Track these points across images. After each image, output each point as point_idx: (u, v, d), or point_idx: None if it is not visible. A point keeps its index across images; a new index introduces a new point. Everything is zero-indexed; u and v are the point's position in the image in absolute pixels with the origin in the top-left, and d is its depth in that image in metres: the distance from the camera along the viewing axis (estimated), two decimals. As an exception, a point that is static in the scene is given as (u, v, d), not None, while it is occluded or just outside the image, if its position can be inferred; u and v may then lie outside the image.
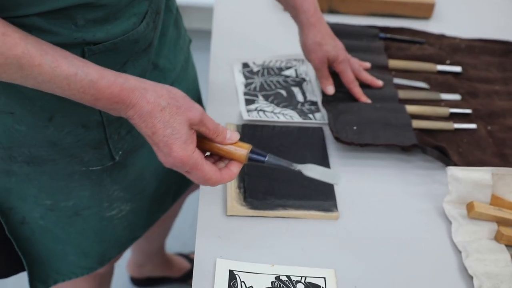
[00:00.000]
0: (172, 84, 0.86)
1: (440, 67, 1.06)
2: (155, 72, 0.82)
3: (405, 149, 0.89)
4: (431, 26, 1.19)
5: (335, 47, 0.93)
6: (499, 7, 1.30)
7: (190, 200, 1.46)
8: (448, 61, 1.09)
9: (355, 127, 0.89)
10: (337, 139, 0.87)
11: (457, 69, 1.06)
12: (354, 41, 1.07)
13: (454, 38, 1.15)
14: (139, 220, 0.97)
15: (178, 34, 0.90)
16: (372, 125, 0.90)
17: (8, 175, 0.79)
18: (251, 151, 0.71)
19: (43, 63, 0.60)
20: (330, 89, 0.95)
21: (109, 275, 1.16)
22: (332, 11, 1.20)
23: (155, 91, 0.65)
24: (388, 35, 1.12)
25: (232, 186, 0.82)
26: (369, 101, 0.95)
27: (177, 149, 0.65)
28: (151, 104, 0.64)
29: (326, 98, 0.95)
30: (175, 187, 1.04)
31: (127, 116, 0.66)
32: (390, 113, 0.93)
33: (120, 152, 0.82)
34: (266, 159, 0.71)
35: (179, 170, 0.68)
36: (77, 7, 0.65)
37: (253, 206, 0.79)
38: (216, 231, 0.77)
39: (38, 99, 0.71)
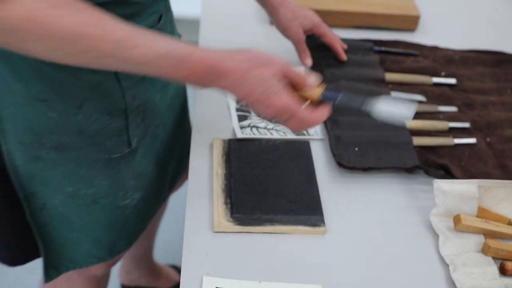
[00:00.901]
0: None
1: (436, 79, 1.07)
2: None
3: (408, 171, 0.89)
4: (416, 38, 1.20)
5: (306, 17, 0.99)
6: (482, 19, 1.31)
7: (181, 212, 1.46)
8: (443, 73, 1.09)
9: (356, 148, 0.89)
10: (340, 164, 0.87)
11: (452, 81, 1.07)
12: (350, 55, 1.08)
13: (447, 50, 1.16)
14: (146, 210, 1.00)
15: (172, 32, 0.95)
16: (374, 146, 0.90)
17: (36, 160, 0.82)
18: (325, 90, 0.75)
19: (141, 44, 0.64)
20: (309, 61, 1.01)
21: (105, 279, 1.16)
22: (318, 24, 1.21)
23: (239, 58, 0.69)
24: (383, 48, 1.13)
25: (219, 202, 0.82)
26: (345, 57, 1.02)
27: (275, 101, 0.70)
28: (239, 70, 0.69)
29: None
30: (171, 175, 1.07)
31: (218, 86, 0.70)
32: (391, 131, 0.93)
33: (135, 140, 0.87)
34: (339, 98, 0.74)
35: (280, 118, 0.72)
36: (113, 3, 0.71)
37: (240, 222, 0.79)
38: (203, 247, 0.77)
39: (70, 87, 0.76)
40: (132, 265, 1.50)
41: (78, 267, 0.96)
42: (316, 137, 0.94)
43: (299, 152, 0.90)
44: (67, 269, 0.96)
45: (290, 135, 0.93)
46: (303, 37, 1.00)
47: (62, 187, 0.86)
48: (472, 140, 0.95)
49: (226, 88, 0.70)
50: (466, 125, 0.98)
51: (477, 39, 1.23)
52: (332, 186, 0.87)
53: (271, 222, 0.80)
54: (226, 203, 0.81)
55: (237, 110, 0.96)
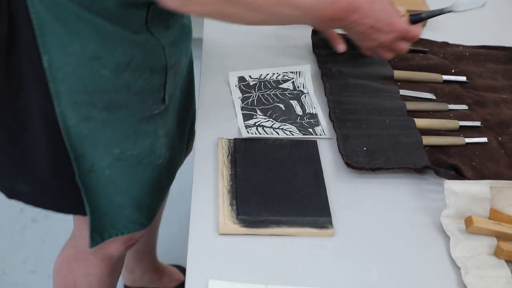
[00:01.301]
0: (189, 44, 1.00)
1: (446, 77, 1.05)
2: (181, 31, 0.94)
3: (418, 171, 0.87)
4: (426, 35, 1.18)
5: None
6: (493, 14, 1.29)
7: (185, 214, 1.45)
8: (453, 70, 1.07)
9: (364, 148, 0.87)
10: (348, 164, 0.85)
11: (462, 78, 1.05)
12: (357, 52, 1.06)
13: (457, 46, 1.14)
14: (172, 171, 1.06)
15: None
16: (382, 145, 0.88)
17: (87, 121, 0.86)
18: (409, 15, 0.97)
19: None
20: (341, 47, 1.02)
21: (119, 265, 1.18)
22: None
23: None
24: None
25: (224, 203, 0.80)
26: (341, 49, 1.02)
27: (397, 23, 0.91)
28: (366, 3, 0.87)
29: (333, 110, 0.93)
30: (187, 137, 1.13)
31: (350, 21, 0.87)
32: (400, 130, 0.91)
33: (167, 97, 0.92)
34: (422, 15, 0.98)
35: (396, 41, 0.92)
36: None
37: (246, 224, 0.77)
38: (208, 250, 0.75)
39: (121, 44, 0.81)
40: (135, 263, 1.49)
41: (120, 234, 0.99)
42: (323, 137, 0.92)
43: (306, 152, 0.88)
44: (109, 236, 0.99)
45: (297, 135, 0.91)
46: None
47: (109, 149, 0.90)
48: (483, 139, 0.93)
49: (355, 22, 0.88)
50: (477, 123, 0.96)
51: (487, 35, 1.21)
52: (340, 187, 0.85)
53: (278, 224, 0.78)
54: (231, 205, 0.80)
55: (243, 109, 0.95)
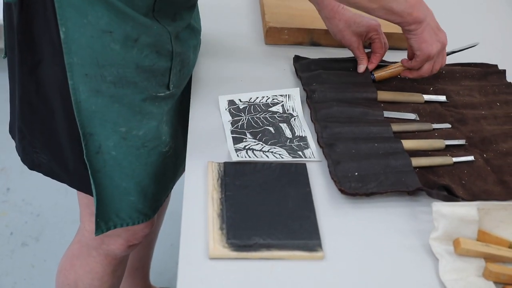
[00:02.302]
0: (198, 45, 1.05)
1: (427, 97, 1.07)
2: (187, 31, 0.99)
3: (410, 193, 0.88)
4: (401, 54, 1.19)
5: (360, 24, 1.07)
6: (473, 36, 1.31)
7: (176, 236, 1.45)
8: (431, 88, 1.09)
9: (356, 173, 0.88)
10: (342, 191, 0.86)
11: (442, 98, 1.07)
12: (341, 72, 1.09)
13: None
14: (177, 165, 1.09)
15: (197, 6, 1.07)
16: (373, 170, 0.89)
17: (97, 95, 0.90)
18: None
19: None
20: (362, 67, 1.08)
21: (122, 266, 1.20)
22: (314, 43, 1.20)
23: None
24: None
25: (214, 227, 0.80)
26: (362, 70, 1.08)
27: (442, 36, 1.02)
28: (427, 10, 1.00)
29: (321, 136, 0.94)
30: (182, 140, 1.13)
31: (415, 27, 0.99)
32: (389, 153, 0.92)
33: (172, 85, 0.97)
34: None
35: (439, 49, 1.02)
36: None
37: (236, 248, 0.78)
38: (199, 274, 0.75)
39: (131, 21, 0.87)
40: (128, 280, 1.48)
41: (125, 224, 1.02)
42: (313, 159, 0.92)
43: (295, 175, 0.89)
44: (114, 226, 1.02)
45: (286, 158, 0.92)
46: (357, 44, 1.09)
47: (116, 127, 0.94)
48: (470, 158, 0.95)
49: (428, 22, 0.99)
50: (462, 142, 0.98)
51: (472, 52, 1.23)
52: (330, 210, 0.86)
53: (268, 247, 0.78)
54: (221, 229, 0.80)
55: (232, 132, 0.95)
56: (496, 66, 1.19)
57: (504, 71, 1.17)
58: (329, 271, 0.78)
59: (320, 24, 1.15)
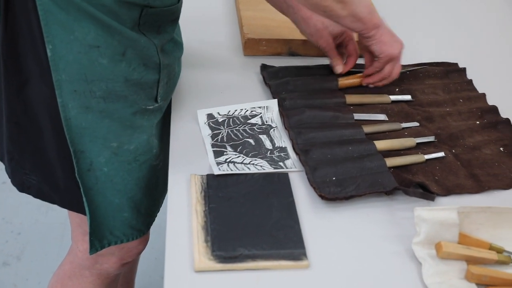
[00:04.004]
0: (180, 58, 1.05)
1: (393, 97, 1.10)
2: (171, 44, 0.99)
3: (387, 193, 0.89)
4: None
5: (336, 24, 1.07)
6: (444, 40, 1.34)
7: (161, 250, 1.44)
8: (397, 89, 1.12)
9: (334, 178, 0.90)
10: (322, 196, 0.87)
11: (408, 97, 1.10)
12: (309, 77, 1.11)
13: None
14: (166, 177, 1.07)
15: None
16: (350, 173, 0.91)
17: (86, 111, 0.90)
18: None
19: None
20: (339, 68, 1.10)
21: (115, 282, 1.19)
22: (292, 54, 1.21)
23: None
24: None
25: (199, 240, 0.80)
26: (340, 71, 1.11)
27: (399, 38, 1.06)
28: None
29: (297, 143, 0.95)
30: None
31: (374, 32, 1.02)
32: (363, 156, 0.94)
33: (160, 98, 0.97)
34: None
35: (400, 49, 1.06)
36: None
37: (221, 260, 0.78)
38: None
39: (117, 35, 0.87)
40: None
41: (119, 242, 1.01)
42: (294, 170, 0.93)
43: (278, 185, 0.90)
44: (109, 243, 1.01)
45: (268, 169, 0.92)
46: (333, 45, 1.10)
47: (107, 142, 0.93)
48: (440, 154, 0.97)
49: (385, 27, 1.03)
50: (431, 138, 1.01)
51: (425, 51, 1.27)
52: (314, 218, 0.87)
53: (253, 258, 0.79)
54: (206, 241, 0.80)
55: (213, 146, 0.96)
56: (456, 64, 1.23)
57: (464, 69, 1.21)
58: (314, 279, 0.78)
59: (298, 35, 1.16)
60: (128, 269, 1.46)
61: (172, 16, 0.97)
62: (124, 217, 1.00)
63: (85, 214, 0.97)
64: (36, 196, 1.03)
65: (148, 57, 0.92)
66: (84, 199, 0.95)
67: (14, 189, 1.04)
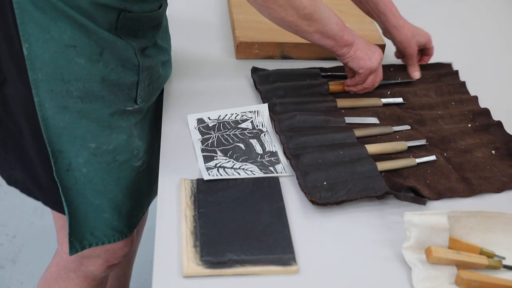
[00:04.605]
0: (168, 61, 1.07)
1: (385, 100, 1.09)
2: (154, 49, 0.99)
3: (379, 198, 0.89)
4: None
5: (421, 35, 1.15)
6: (441, 42, 1.34)
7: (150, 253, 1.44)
8: (388, 92, 1.11)
9: (325, 183, 0.89)
10: (313, 202, 0.87)
11: (399, 100, 1.10)
12: (299, 82, 1.10)
13: (389, 69, 1.18)
14: (151, 180, 1.09)
15: (167, 24, 1.09)
16: (341, 177, 0.90)
17: (63, 111, 0.90)
18: None
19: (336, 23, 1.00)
20: (417, 75, 1.17)
21: (103, 284, 1.19)
22: (284, 57, 1.21)
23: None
24: (328, 73, 1.15)
25: (188, 245, 0.80)
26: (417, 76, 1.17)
27: (376, 49, 1.06)
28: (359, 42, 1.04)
29: (288, 147, 0.95)
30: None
31: (346, 50, 1.02)
32: (354, 160, 0.93)
33: (140, 100, 0.97)
34: None
35: (379, 61, 1.06)
36: None
37: (209, 266, 0.77)
38: (173, 294, 0.75)
39: (94, 35, 0.87)
40: None
41: (100, 243, 1.01)
42: (284, 174, 0.93)
43: (268, 189, 0.89)
44: (89, 244, 1.01)
45: (258, 174, 0.92)
46: (416, 53, 1.16)
47: (86, 143, 0.93)
48: (432, 158, 0.97)
49: (350, 52, 1.03)
50: (423, 142, 1.01)
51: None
52: (304, 222, 0.86)
53: (242, 263, 0.78)
54: (195, 246, 0.80)
55: (203, 151, 0.95)
56: (450, 65, 1.23)
57: (457, 71, 1.21)
58: (304, 284, 0.78)
59: (290, 38, 1.16)
60: (122, 272, 1.46)
61: (152, 22, 0.97)
62: (105, 218, 1.00)
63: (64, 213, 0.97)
64: (22, 191, 1.04)
65: (127, 58, 0.92)
66: (63, 199, 0.96)
67: (10, 191, 1.06)
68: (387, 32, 1.18)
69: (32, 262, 1.80)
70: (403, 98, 1.10)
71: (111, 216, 1.00)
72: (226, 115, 1.02)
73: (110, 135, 0.95)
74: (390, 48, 1.26)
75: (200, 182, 0.89)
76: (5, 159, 1.01)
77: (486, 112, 1.10)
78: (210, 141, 0.97)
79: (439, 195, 0.91)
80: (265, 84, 1.09)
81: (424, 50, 1.19)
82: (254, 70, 1.12)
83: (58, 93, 0.89)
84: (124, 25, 0.90)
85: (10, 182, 1.04)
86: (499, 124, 1.07)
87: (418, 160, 0.96)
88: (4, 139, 0.99)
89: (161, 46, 1.02)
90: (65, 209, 0.96)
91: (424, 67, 1.21)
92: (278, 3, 0.92)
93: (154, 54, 0.99)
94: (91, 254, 1.06)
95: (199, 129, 0.99)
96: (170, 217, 0.85)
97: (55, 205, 1.01)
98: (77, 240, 0.99)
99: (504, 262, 0.83)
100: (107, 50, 0.89)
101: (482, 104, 1.13)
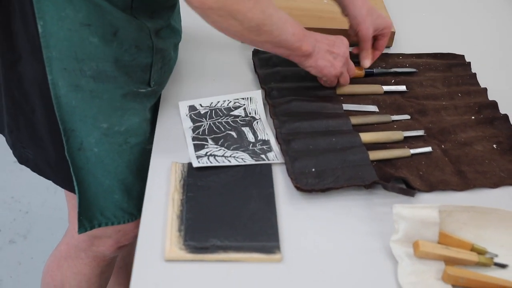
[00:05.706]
0: (177, 44, 1.05)
1: (386, 88, 1.06)
2: (168, 30, 0.98)
3: (366, 187, 0.87)
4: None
5: (380, 17, 1.06)
6: (456, 34, 1.30)
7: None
8: (393, 80, 1.08)
9: (313, 169, 0.88)
10: (298, 188, 0.85)
11: (402, 88, 1.07)
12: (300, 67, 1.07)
13: (398, 56, 1.15)
14: None
15: (179, 5, 1.06)
16: (331, 164, 0.88)
17: (76, 90, 0.90)
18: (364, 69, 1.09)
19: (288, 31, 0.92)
20: (367, 63, 1.08)
21: (110, 266, 1.20)
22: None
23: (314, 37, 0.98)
24: None
25: (173, 229, 0.80)
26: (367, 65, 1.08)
27: (340, 49, 0.99)
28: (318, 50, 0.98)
29: (280, 132, 0.94)
30: None
31: (305, 60, 0.97)
32: (347, 148, 0.91)
33: (153, 83, 0.96)
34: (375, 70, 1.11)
35: (342, 64, 0.99)
36: None
37: (192, 250, 0.77)
38: (153, 277, 0.75)
39: (109, 14, 0.87)
40: (112, 280, 1.48)
41: (110, 223, 1.01)
42: (276, 162, 0.92)
43: (260, 175, 0.88)
44: (99, 224, 1.00)
45: (249, 162, 0.90)
46: (370, 36, 1.06)
47: (97, 123, 0.93)
48: (427, 149, 0.95)
49: (310, 54, 0.96)
50: (421, 132, 0.98)
51: (433, 42, 1.23)
52: (292, 210, 0.85)
53: (225, 249, 0.78)
54: (180, 230, 0.80)
55: (194, 139, 0.94)
56: (462, 56, 1.18)
57: (469, 63, 1.17)
58: (287, 273, 0.77)
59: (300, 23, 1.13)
60: (126, 253, 1.47)
61: (168, 2, 0.96)
62: (115, 199, 1.00)
63: (75, 193, 0.98)
64: (33, 169, 1.05)
65: (141, 39, 0.92)
66: (73, 177, 0.96)
67: (24, 168, 1.06)
68: (342, 6, 1.09)
69: (43, 238, 1.83)
70: (406, 87, 1.08)
71: (121, 198, 1.00)
72: (219, 102, 1.01)
73: (122, 116, 0.94)
74: (400, 35, 1.23)
75: (191, 166, 0.89)
76: (17, 137, 1.02)
77: (493, 104, 1.06)
78: (202, 129, 0.96)
79: (431, 187, 0.89)
80: (265, 68, 1.07)
81: (379, 37, 1.10)
82: (255, 53, 1.11)
83: (71, 71, 0.89)
84: (139, 5, 0.90)
85: (22, 160, 1.05)
86: (505, 117, 1.03)
87: (413, 151, 0.94)
88: (16, 117, 1.00)
89: (174, 28, 1.01)
90: (76, 188, 0.97)
91: (435, 56, 1.17)
92: (218, 13, 0.86)
93: (167, 35, 0.99)
94: (102, 235, 1.07)
95: (190, 116, 0.98)
96: (158, 200, 0.85)
97: (65, 184, 1.01)
98: (87, 219, 1.00)
99: (497, 260, 0.80)
100: (121, 31, 0.89)
101: (493, 97, 1.09)
